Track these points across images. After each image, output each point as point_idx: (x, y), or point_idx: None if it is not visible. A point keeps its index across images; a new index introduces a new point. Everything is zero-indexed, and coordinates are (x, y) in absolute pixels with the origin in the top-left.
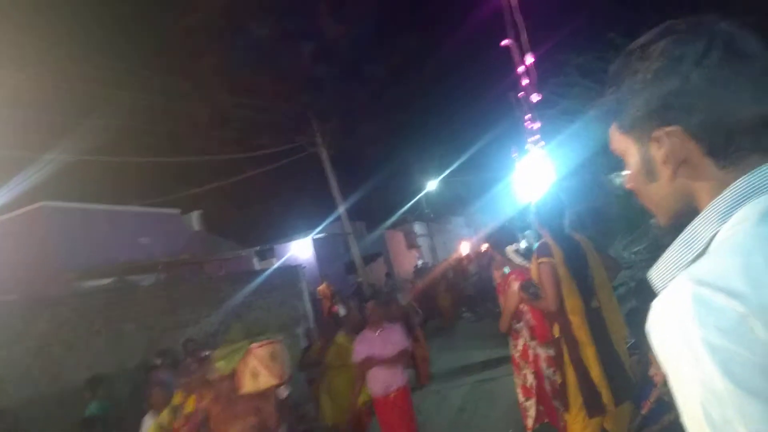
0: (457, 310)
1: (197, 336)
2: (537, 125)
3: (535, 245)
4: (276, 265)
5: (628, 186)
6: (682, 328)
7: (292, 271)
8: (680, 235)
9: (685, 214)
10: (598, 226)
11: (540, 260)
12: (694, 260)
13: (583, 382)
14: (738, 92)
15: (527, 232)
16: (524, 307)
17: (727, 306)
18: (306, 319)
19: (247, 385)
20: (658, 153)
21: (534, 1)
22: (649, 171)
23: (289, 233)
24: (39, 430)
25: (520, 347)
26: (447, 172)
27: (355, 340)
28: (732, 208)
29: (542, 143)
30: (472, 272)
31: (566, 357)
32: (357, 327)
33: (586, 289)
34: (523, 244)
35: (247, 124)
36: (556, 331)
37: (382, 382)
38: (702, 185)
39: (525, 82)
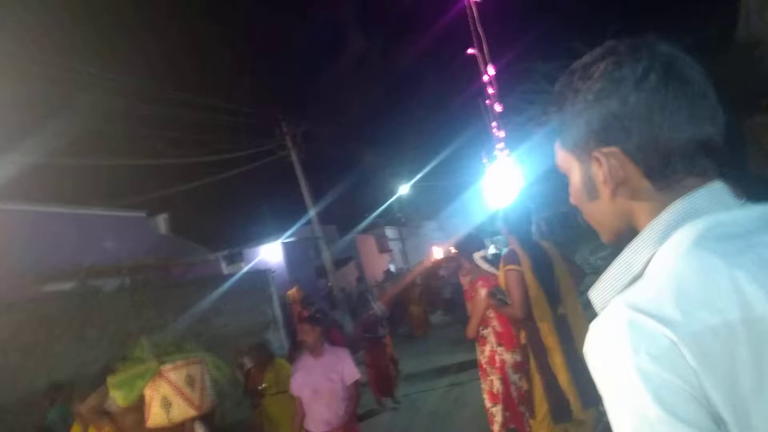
0: (428, 317)
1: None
2: (502, 134)
3: (503, 251)
4: (244, 270)
5: (572, 201)
6: (616, 354)
7: (261, 275)
8: (619, 256)
9: (626, 233)
10: (566, 232)
11: (507, 267)
12: (631, 282)
13: (549, 389)
14: (675, 116)
15: (496, 238)
16: (491, 314)
17: (659, 333)
18: (276, 323)
19: (157, 418)
20: (598, 172)
21: (499, 10)
22: (590, 189)
23: (258, 237)
24: None
25: (487, 353)
26: (418, 176)
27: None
28: (668, 230)
29: (507, 151)
30: (445, 276)
31: (533, 363)
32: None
33: (553, 296)
34: (491, 250)
35: (217, 126)
36: (522, 337)
37: (320, 420)
38: (640, 206)
39: (490, 91)
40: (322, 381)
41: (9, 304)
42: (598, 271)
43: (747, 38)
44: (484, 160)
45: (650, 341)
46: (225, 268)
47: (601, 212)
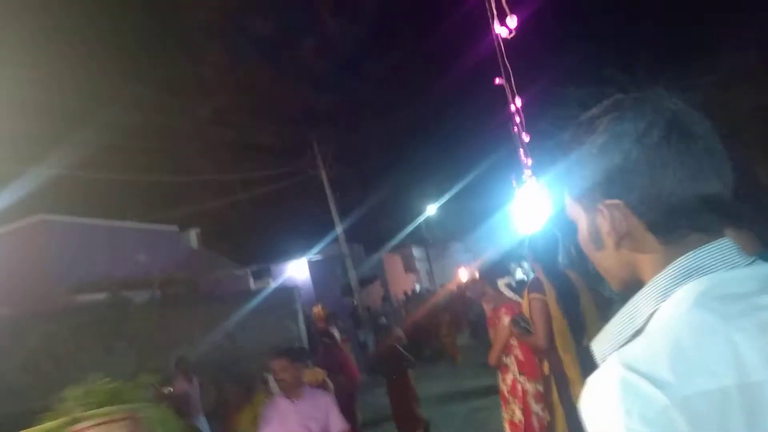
0: (456, 345)
1: (189, 355)
2: (530, 161)
3: (530, 276)
4: (273, 287)
5: (583, 248)
6: (608, 413)
7: (287, 291)
8: (622, 309)
9: (631, 283)
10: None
11: (532, 296)
12: (633, 336)
13: (571, 421)
14: (677, 172)
15: (524, 263)
16: (514, 342)
17: (652, 395)
18: (300, 341)
19: None
20: (602, 223)
21: (530, 37)
22: (595, 239)
23: (285, 253)
24: None
25: (509, 381)
26: (447, 197)
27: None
28: (671, 287)
29: (534, 178)
30: (471, 299)
31: (555, 395)
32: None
33: (578, 327)
34: (519, 274)
35: (250, 144)
36: (546, 368)
37: None
38: (644, 258)
39: (517, 119)
40: (296, 429)
41: (42, 314)
42: (625, 300)
43: None
44: (513, 184)
45: (643, 403)
46: (252, 284)
47: (606, 262)
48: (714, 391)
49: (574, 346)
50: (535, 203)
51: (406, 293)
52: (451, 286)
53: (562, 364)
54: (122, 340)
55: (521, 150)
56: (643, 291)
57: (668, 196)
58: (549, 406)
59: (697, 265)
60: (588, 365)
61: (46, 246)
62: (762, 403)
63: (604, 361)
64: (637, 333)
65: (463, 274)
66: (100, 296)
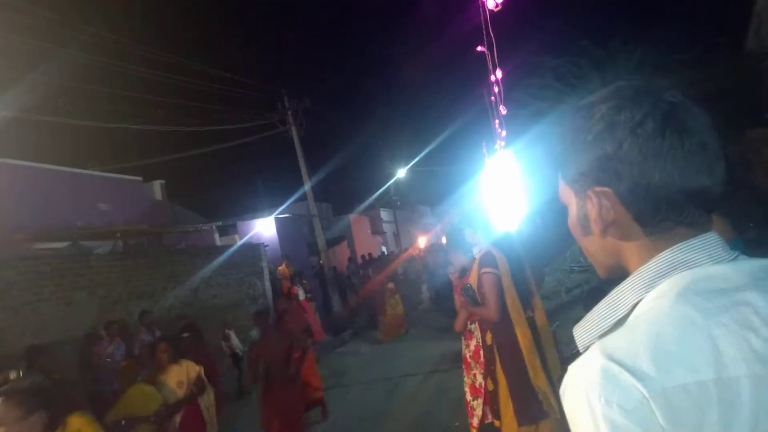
0: (404, 321)
1: (152, 309)
2: (504, 133)
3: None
4: (240, 243)
5: (572, 232)
6: (588, 401)
7: (253, 249)
8: (606, 297)
9: (617, 272)
10: (560, 228)
11: (484, 270)
12: (615, 325)
13: (514, 390)
14: (668, 165)
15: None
16: None
17: (632, 386)
18: (265, 298)
19: None
20: (591, 210)
21: (512, 7)
22: (583, 224)
23: (252, 210)
24: None
25: (472, 347)
26: (417, 160)
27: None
28: (656, 279)
29: (508, 150)
30: (430, 265)
31: (498, 365)
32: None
33: (525, 300)
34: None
35: (219, 96)
36: (488, 338)
37: None
38: (630, 247)
39: (496, 89)
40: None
41: (0, 261)
42: (588, 270)
43: (757, 49)
44: (484, 152)
45: (622, 393)
46: (218, 239)
47: (592, 247)
48: (692, 385)
49: (525, 318)
50: (505, 173)
51: (363, 256)
52: (412, 251)
53: (512, 336)
54: (83, 291)
55: (496, 121)
56: (628, 281)
57: (657, 188)
58: (492, 376)
59: (682, 259)
60: (534, 336)
61: (4, 191)
62: (738, 398)
63: (585, 349)
64: (620, 322)
65: (423, 240)
66: (61, 245)
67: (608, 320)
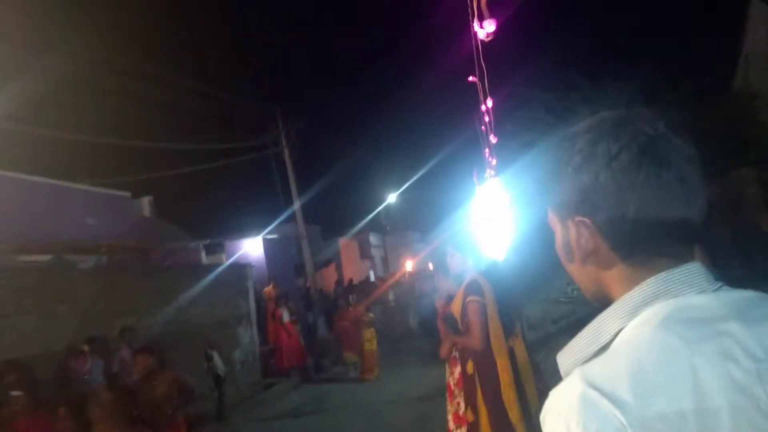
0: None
1: (134, 326)
2: (494, 162)
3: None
4: (227, 263)
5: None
6: (567, 427)
7: (240, 269)
8: (588, 325)
9: (602, 298)
10: (547, 259)
11: (470, 298)
12: (597, 352)
13: (495, 422)
14: (644, 196)
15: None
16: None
17: (611, 414)
18: (249, 319)
19: None
20: (572, 238)
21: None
22: (567, 252)
23: (240, 229)
24: None
25: (456, 375)
26: (407, 185)
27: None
28: (639, 307)
29: (497, 179)
30: (417, 292)
31: (479, 395)
32: None
33: (507, 330)
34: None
35: (212, 115)
36: (470, 367)
37: None
38: (610, 276)
39: (487, 119)
40: None
41: None
42: (574, 301)
43: (744, 89)
44: (475, 181)
45: (601, 421)
46: (204, 258)
47: (576, 274)
48: (671, 414)
49: (506, 349)
50: (494, 202)
51: (348, 281)
52: (400, 276)
53: (493, 366)
54: (64, 305)
55: (487, 149)
56: (610, 309)
57: (633, 219)
58: (473, 407)
59: (665, 288)
60: (513, 367)
61: None
62: (717, 428)
63: (567, 375)
64: (602, 350)
65: (410, 265)
66: (44, 258)
67: (591, 347)
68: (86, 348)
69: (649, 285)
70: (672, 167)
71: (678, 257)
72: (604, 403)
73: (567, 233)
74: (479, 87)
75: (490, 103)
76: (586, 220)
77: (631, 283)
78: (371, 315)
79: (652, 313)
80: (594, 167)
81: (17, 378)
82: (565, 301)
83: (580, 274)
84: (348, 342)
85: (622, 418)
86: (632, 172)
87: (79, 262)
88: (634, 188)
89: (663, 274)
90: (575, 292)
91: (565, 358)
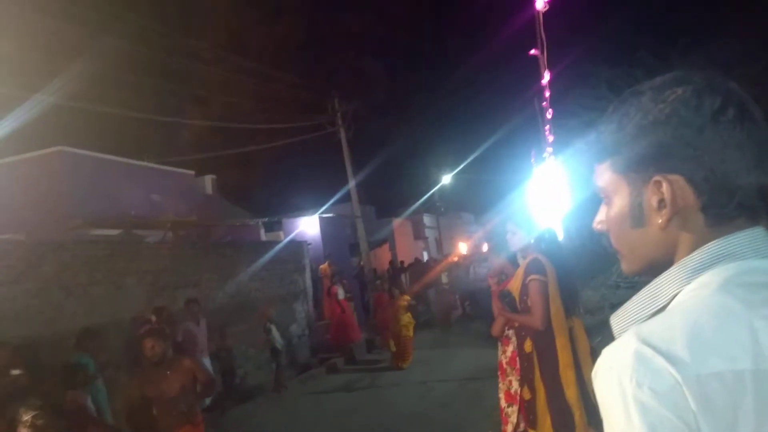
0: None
1: (198, 298)
2: (551, 138)
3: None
4: (286, 240)
5: (597, 226)
6: (620, 383)
7: (297, 246)
8: (645, 287)
9: (659, 266)
10: (607, 242)
11: (532, 277)
12: (653, 315)
13: (551, 401)
14: (746, 154)
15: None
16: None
17: (665, 370)
18: (305, 295)
19: None
20: (652, 199)
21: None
22: (636, 216)
23: (297, 208)
24: (31, 369)
25: (509, 353)
26: (462, 166)
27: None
28: (698, 270)
29: (554, 156)
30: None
31: (537, 374)
32: None
33: (569, 308)
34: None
35: (272, 96)
36: (528, 346)
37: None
38: (687, 239)
39: (547, 94)
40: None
41: (58, 244)
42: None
43: None
44: (532, 161)
45: (654, 377)
46: (263, 235)
47: (641, 241)
48: (727, 373)
49: (566, 329)
50: (552, 182)
51: (402, 262)
52: (453, 258)
53: (553, 345)
54: (132, 277)
55: (546, 126)
56: (669, 272)
57: (732, 177)
58: (530, 385)
59: (727, 251)
60: (572, 347)
61: (63, 177)
62: None
63: (620, 335)
64: (658, 312)
65: (464, 247)
66: (114, 232)
67: (646, 310)
68: (153, 317)
69: (711, 248)
70: (762, 127)
71: (756, 219)
72: (659, 360)
73: (640, 194)
74: (540, 60)
75: (548, 76)
76: (678, 177)
77: (700, 246)
78: (409, 299)
79: (712, 276)
80: (697, 120)
81: (95, 343)
82: (624, 286)
83: (651, 239)
84: (386, 327)
85: (676, 375)
86: (737, 128)
87: (146, 236)
88: (737, 145)
89: (727, 237)
90: (636, 277)
91: (619, 320)
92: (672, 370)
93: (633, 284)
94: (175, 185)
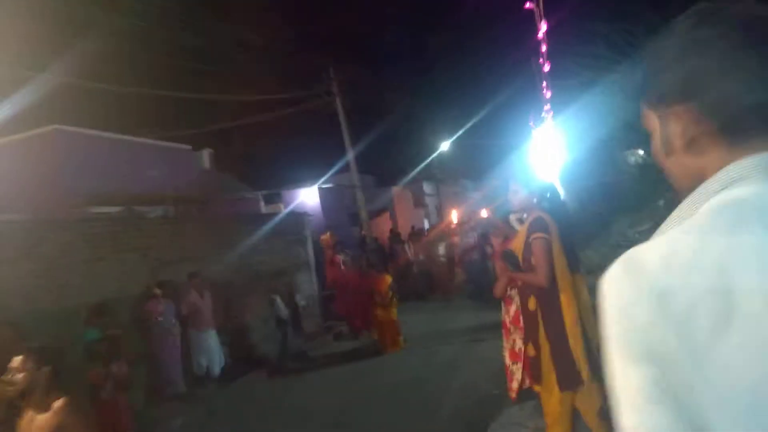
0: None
1: (200, 271)
2: (548, 94)
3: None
4: (286, 211)
5: (654, 158)
6: (608, 290)
7: (298, 217)
8: (670, 215)
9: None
10: (607, 202)
11: (536, 235)
12: None
13: (557, 357)
14: (754, 77)
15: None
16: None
17: (636, 279)
18: (308, 266)
19: None
20: (674, 128)
21: None
22: (666, 145)
23: (296, 180)
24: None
25: (512, 312)
26: (461, 132)
27: None
28: (711, 194)
29: (552, 113)
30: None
31: (542, 331)
32: None
33: (573, 265)
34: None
35: (267, 66)
36: (531, 304)
37: None
38: (707, 164)
39: (544, 48)
40: None
41: (59, 223)
42: (634, 245)
43: None
44: (531, 124)
45: (627, 284)
46: (263, 207)
47: (675, 168)
48: (697, 287)
49: (571, 285)
50: (551, 143)
51: (391, 230)
52: (446, 227)
53: (557, 302)
54: (134, 253)
55: (543, 84)
56: (691, 196)
57: (742, 99)
58: (534, 342)
59: (739, 175)
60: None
61: (60, 156)
62: (740, 312)
63: None
64: None
65: (456, 214)
66: (113, 209)
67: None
68: (158, 291)
69: (730, 170)
70: None
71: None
72: (634, 268)
73: (667, 125)
74: (536, 13)
75: (545, 27)
76: (691, 105)
77: (719, 170)
78: (390, 280)
79: (721, 197)
80: (701, 48)
81: (105, 319)
82: (625, 245)
83: (679, 166)
84: (354, 314)
85: (644, 284)
86: (740, 51)
87: (146, 212)
88: (746, 68)
89: (740, 162)
90: (637, 235)
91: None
92: (643, 279)
93: (634, 243)
94: (172, 160)
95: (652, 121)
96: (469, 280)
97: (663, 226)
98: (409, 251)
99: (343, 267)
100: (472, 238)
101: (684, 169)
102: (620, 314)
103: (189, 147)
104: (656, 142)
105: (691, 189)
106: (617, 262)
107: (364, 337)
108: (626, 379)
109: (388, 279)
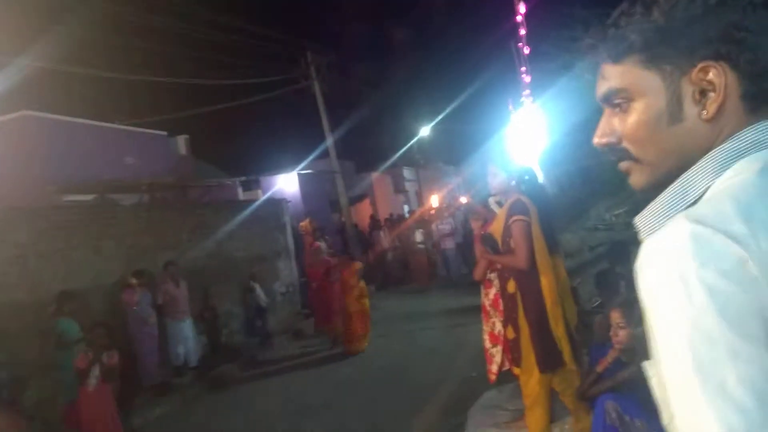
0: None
1: (177, 260)
2: (528, 78)
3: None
4: (264, 198)
5: (603, 140)
6: (678, 266)
7: (276, 204)
8: (673, 183)
9: (686, 166)
10: (586, 186)
11: (515, 218)
12: (686, 209)
13: (537, 339)
14: None
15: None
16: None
17: (727, 248)
18: (287, 252)
19: None
20: (693, 89)
21: None
22: (673, 111)
23: (275, 166)
24: (14, 336)
25: (491, 296)
26: (440, 117)
27: None
28: (732, 158)
29: (532, 98)
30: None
31: (521, 313)
32: None
33: (552, 247)
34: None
35: (242, 50)
36: (511, 286)
37: None
38: (727, 127)
39: (523, 32)
40: None
41: (32, 211)
42: (612, 228)
43: None
44: (510, 108)
45: (718, 256)
46: (241, 194)
47: (678, 138)
48: None
49: (551, 267)
50: (531, 126)
51: (372, 217)
52: (424, 213)
53: (537, 284)
54: (109, 241)
55: (522, 68)
56: (700, 164)
57: None
58: (513, 324)
59: (763, 138)
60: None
61: (31, 143)
62: None
63: (651, 233)
64: (691, 206)
65: (436, 200)
66: (87, 197)
67: (678, 205)
68: (134, 281)
69: (746, 134)
70: None
71: None
72: (719, 238)
73: (678, 87)
74: None
75: (523, 8)
76: (723, 63)
77: (738, 134)
78: (357, 264)
79: (745, 164)
80: (740, 3)
81: (75, 306)
82: (603, 228)
83: (685, 136)
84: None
85: (740, 252)
86: None
87: (121, 200)
88: None
89: (754, 126)
90: (614, 218)
91: (647, 218)
92: (735, 247)
93: (611, 226)
94: (147, 147)
95: (649, 83)
96: (444, 266)
97: (672, 198)
98: (385, 238)
99: (323, 254)
100: (449, 225)
101: (693, 137)
102: (720, 292)
103: (164, 133)
104: (649, 108)
105: (684, 163)
106: (676, 234)
107: (323, 334)
108: (741, 359)
109: (357, 266)
